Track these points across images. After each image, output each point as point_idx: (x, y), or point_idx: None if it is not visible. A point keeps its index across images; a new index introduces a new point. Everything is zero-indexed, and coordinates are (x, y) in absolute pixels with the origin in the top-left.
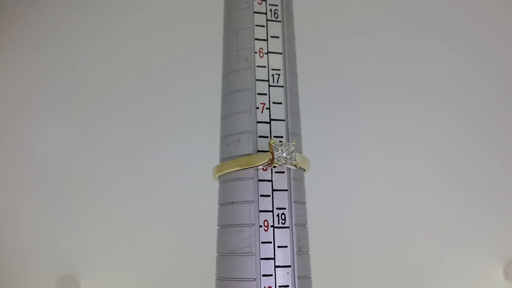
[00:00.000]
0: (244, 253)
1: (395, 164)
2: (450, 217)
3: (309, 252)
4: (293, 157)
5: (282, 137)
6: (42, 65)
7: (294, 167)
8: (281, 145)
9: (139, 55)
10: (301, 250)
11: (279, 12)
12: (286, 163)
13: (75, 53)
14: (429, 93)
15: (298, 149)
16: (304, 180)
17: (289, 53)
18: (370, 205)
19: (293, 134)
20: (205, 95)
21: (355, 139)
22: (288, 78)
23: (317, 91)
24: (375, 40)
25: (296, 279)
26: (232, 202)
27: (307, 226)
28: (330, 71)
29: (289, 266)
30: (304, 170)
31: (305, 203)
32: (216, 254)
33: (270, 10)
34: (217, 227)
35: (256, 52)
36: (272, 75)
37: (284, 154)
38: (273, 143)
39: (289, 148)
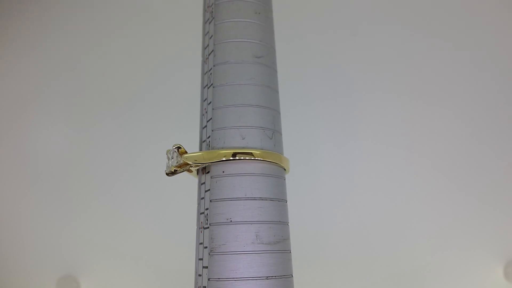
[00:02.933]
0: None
1: (395, 163)
2: (450, 217)
3: (236, 253)
4: (169, 163)
5: (209, 136)
6: (43, 65)
7: (174, 171)
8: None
9: (139, 56)
10: (215, 250)
11: (214, 8)
12: (168, 170)
13: (76, 54)
14: (426, 88)
15: (227, 142)
16: (234, 175)
17: (215, 46)
18: (368, 206)
19: (218, 129)
20: None
21: (351, 138)
22: (214, 73)
23: (307, 87)
24: (373, 37)
25: (207, 280)
26: None
27: (242, 224)
28: (321, 66)
29: (206, 267)
30: (285, 167)
31: (232, 199)
32: None
33: (210, 12)
34: None
35: (204, 61)
36: (209, 77)
37: (172, 161)
38: (167, 152)
39: (169, 153)
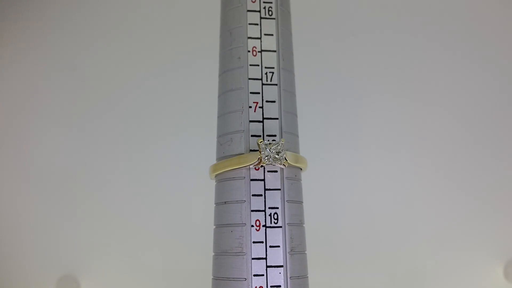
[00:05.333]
0: (235, 252)
1: (396, 164)
2: (450, 217)
3: (305, 252)
4: (282, 156)
5: (275, 135)
6: (43, 65)
7: (283, 166)
8: (270, 144)
9: (138, 55)
10: (294, 250)
11: (274, 10)
12: (274, 162)
13: (75, 54)
14: (430, 91)
15: (295, 148)
16: (300, 180)
17: (283, 51)
18: (370, 205)
19: (288, 132)
20: (204, 94)
21: (355, 138)
22: (282, 76)
23: (316, 89)
24: (375, 38)
25: (288, 279)
26: (225, 202)
27: (303, 226)
28: (331, 69)
29: (281, 266)
30: (301, 169)
31: (302, 202)
32: (213, 253)
33: (264, 8)
34: (214, 227)
35: (249, 51)
36: (266, 74)
37: (273, 153)
38: (260, 142)
39: (278, 147)
